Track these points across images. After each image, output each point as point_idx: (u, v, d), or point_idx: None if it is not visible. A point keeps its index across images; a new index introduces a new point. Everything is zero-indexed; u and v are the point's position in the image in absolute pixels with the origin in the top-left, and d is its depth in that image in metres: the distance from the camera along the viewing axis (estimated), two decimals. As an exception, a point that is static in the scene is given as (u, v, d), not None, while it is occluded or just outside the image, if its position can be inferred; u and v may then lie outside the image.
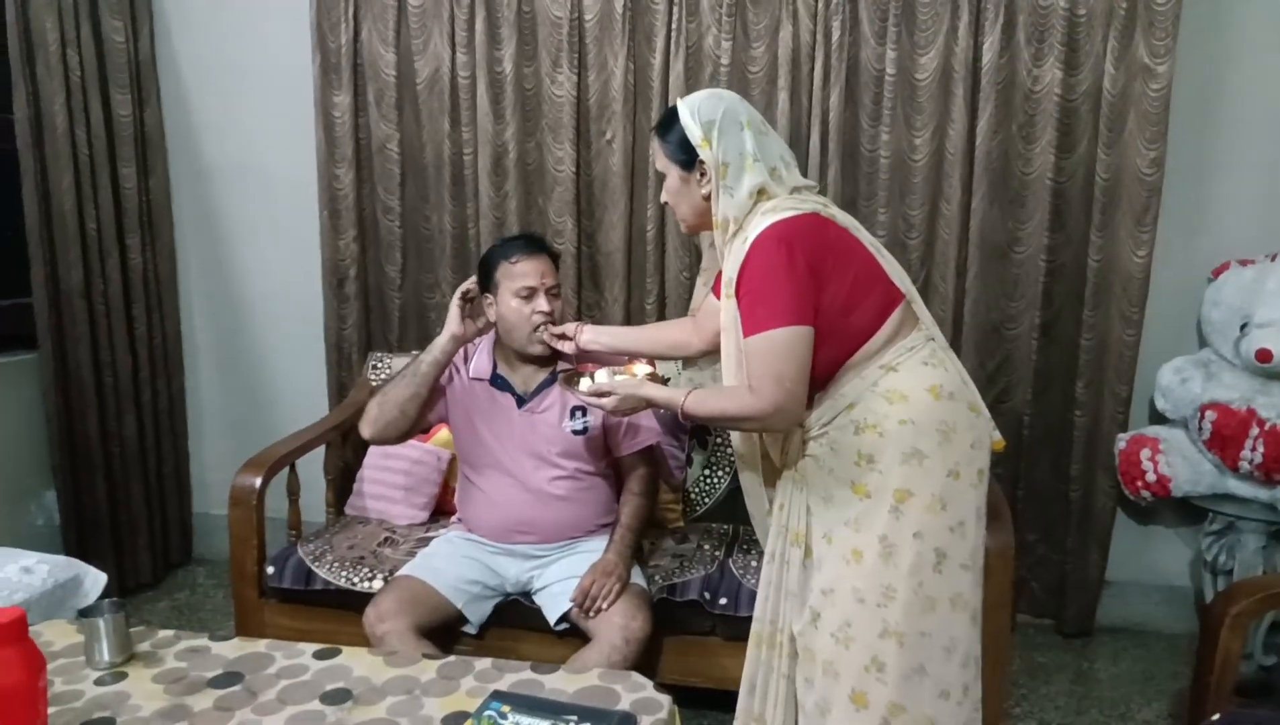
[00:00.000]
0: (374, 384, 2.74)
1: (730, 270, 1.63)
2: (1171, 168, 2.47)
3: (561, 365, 2.12)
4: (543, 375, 2.15)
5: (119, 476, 3.02)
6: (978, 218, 2.55)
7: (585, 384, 1.81)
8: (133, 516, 3.06)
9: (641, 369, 1.83)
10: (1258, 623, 2.40)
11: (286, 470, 2.44)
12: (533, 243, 2.12)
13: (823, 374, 1.62)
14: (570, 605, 2.04)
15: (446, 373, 2.17)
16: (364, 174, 2.89)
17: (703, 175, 1.66)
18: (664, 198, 1.77)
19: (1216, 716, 1.63)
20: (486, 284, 2.11)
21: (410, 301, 2.97)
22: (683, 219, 1.77)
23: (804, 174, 2.58)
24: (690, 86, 2.63)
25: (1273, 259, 2.42)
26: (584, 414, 2.14)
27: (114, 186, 2.95)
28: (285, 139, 3.02)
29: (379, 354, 2.79)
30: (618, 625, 1.94)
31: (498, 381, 2.16)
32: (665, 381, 1.78)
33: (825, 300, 1.57)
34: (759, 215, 1.61)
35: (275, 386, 3.24)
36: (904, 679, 1.58)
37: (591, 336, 2.05)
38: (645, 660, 1.95)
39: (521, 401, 2.14)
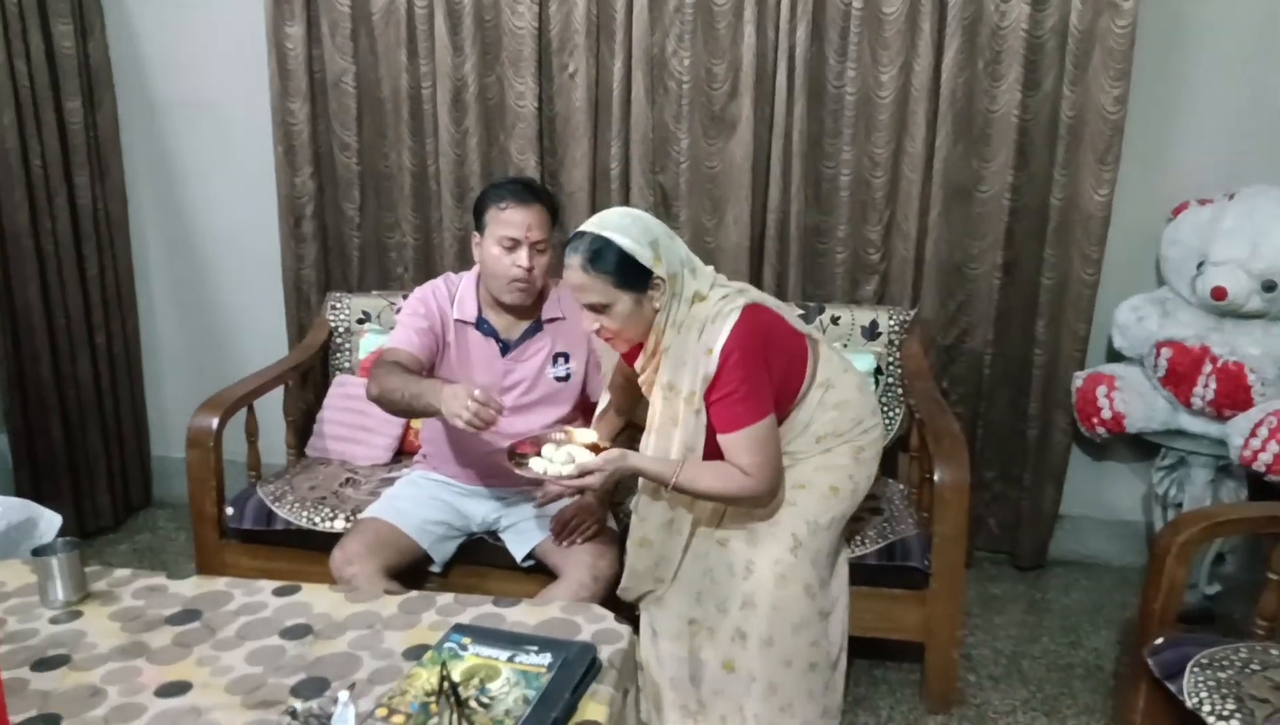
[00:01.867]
0: (332, 325, 2.70)
1: (691, 378, 1.76)
2: (1135, 106, 2.47)
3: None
4: (527, 322, 2.11)
5: (75, 419, 2.97)
6: (942, 156, 2.54)
7: (540, 463, 1.82)
8: (90, 459, 3.02)
9: (585, 436, 1.89)
10: (1203, 554, 2.48)
11: (245, 411, 2.41)
12: (528, 191, 2.03)
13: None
14: (537, 542, 2.05)
15: (436, 312, 2.09)
16: (319, 109, 2.81)
17: (653, 290, 1.75)
18: (608, 326, 1.77)
19: (1160, 640, 1.69)
20: (478, 223, 2.05)
21: (369, 241, 2.91)
22: (629, 341, 1.82)
23: (770, 109, 2.58)
24: (654, 14, 2.56)
25: (1230, 198, 2.44)
26: (566, 361, 2.12)
27: (59, 122, 2.84)
28: (237, 72, 2.92)
29: (338, 294, 2.74)
30: (586, 563, 1.95)
31: (483, 326, 2.11)
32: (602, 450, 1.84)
33: (777, 381, 1.81)
34: (708, 320, 1.75)
35: (233, 328, 3.18)
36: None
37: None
38: (611, 599, 1.97)
39: (505, 349, 2.11)
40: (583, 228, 1.77)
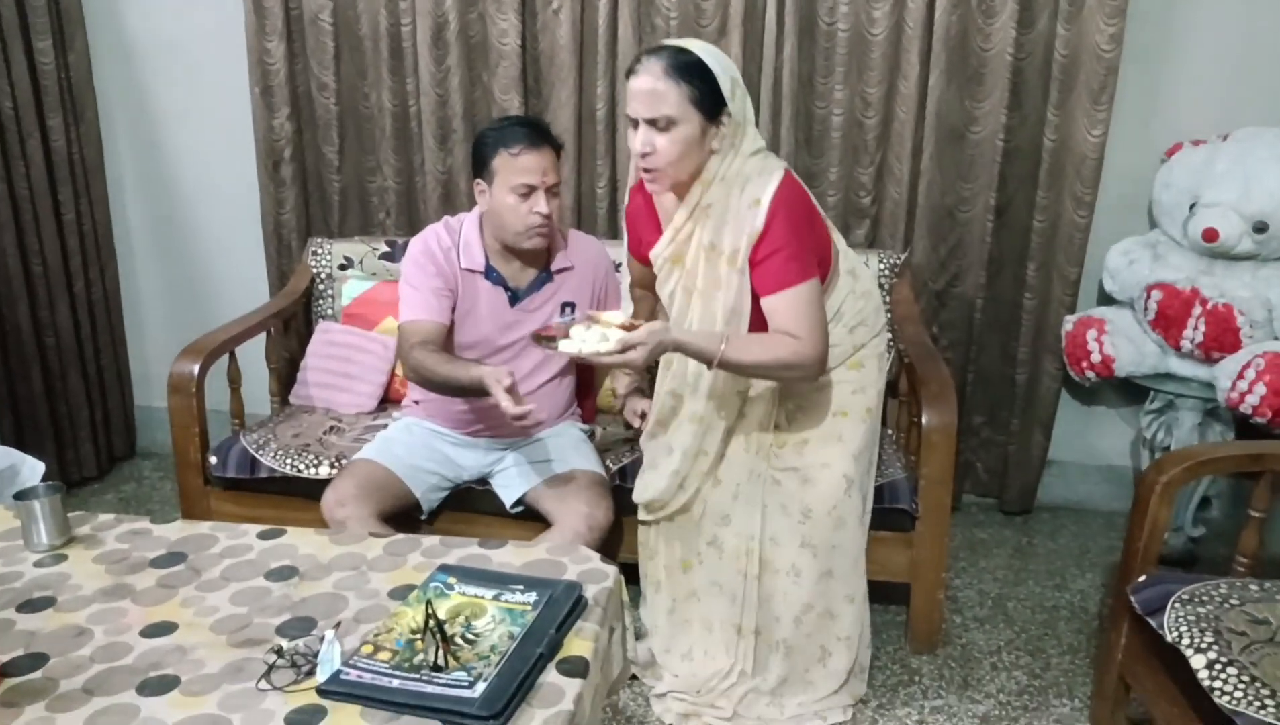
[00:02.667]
0: (314, 271, 2.65)
1: (734, 236, 1.68)
2: (1129, 46, 2.43)
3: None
4: (533, 272, 2.06)
5: (55, 368, 2.93)
6: (935, 96, 2.50)
7: (573, 344, 1.63)
8: (72, 409, 2.99)
9: (613, 316, 1.71)
10: (1188, 496, 2.50)
11: (227, 359, 2.38)
12: (539, 133, 1.93)
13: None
14: (527, 487, 2.04)
15: (444, 265, 2.01)
16: (296, 47, 2.73)
17: (718, 129, 1.65)
18: (662, 151, 1.61)
19: (1142, 578, 1.70)
20: (480, 170, 1.95)
21: (350, 185, 2.85)
22: (674, 176, 1.66)
23: (760, 48, 2.53)
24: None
25: (1224, 139, 2.41)
26: (572, 310, 2.08)
27: (30, 63, 2.76)
28: (211, 9, 2.82)
29: (319, 240, 2.69)
30: (582, 513, 1.93)
31: (492, 274, 2.04)
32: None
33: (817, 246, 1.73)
34: (752, 175, 1.68)
35: (214, 275, 3.13)
36: None
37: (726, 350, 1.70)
38: (605, 543, 1.96)
39: (515, 298, 2.05)
40: (665, 43, 1.68)
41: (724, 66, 1.65)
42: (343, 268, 2.65)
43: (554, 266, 2.07)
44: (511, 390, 1.73)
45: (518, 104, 2.64)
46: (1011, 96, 2.50)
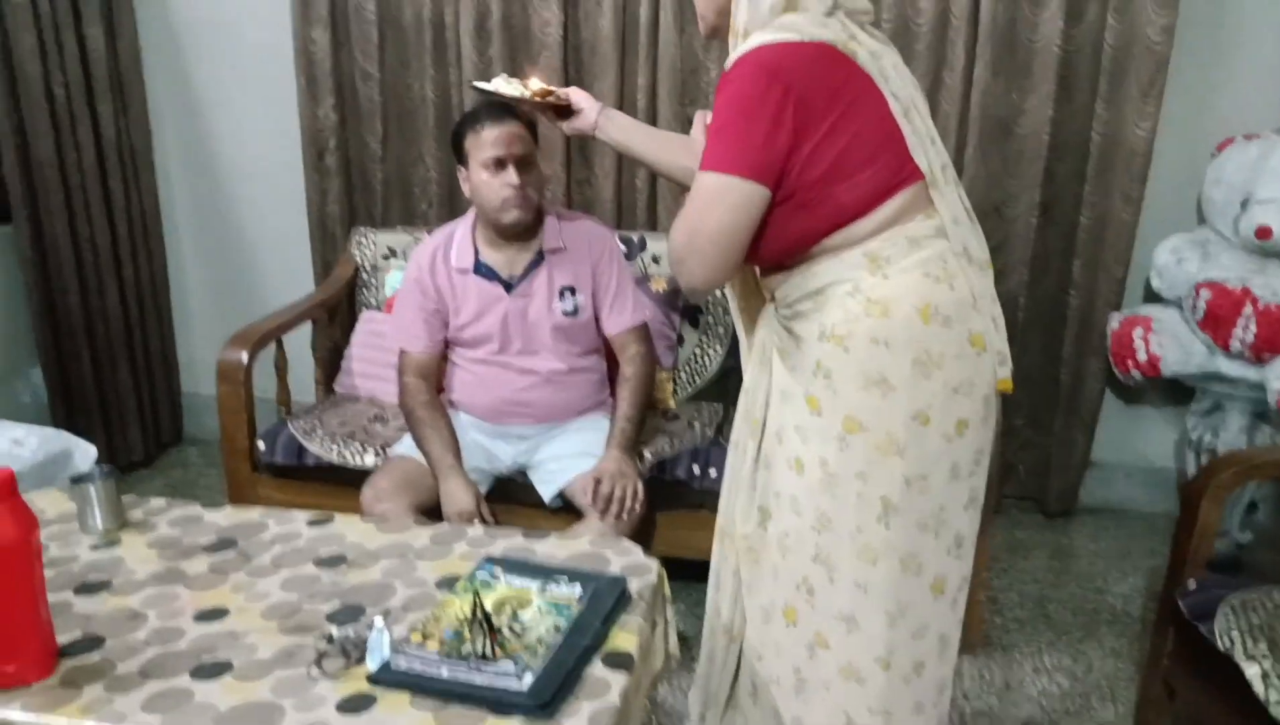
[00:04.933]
0: (358, 261, 2.68)
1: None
2: (1181, 38, 2.38)
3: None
4: (528, 256, 2.08)
5: (104, 353, 2.99)
6: (981, 88, 2.46)
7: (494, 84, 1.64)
8: (120, 394, 3.05)
9: (536, 84, 1.65)
10: (1236, 500, 2.45)
11: (274, 347, 2.41)
12: (501, 108, 1.95)
13: (793, 247, 1.33)
14: (565, 482, 2.05)
15: (431, 285, 2.09)
16: (340, 36, 2.76)
17: None
18: None
19: (1191, 583, 1.68)
20: (459, 156, 2.02)
21: (394, 175, 2.88)
22: (702, 16, 1.43)
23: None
24: (684, -58, 2.49)
25: (1279, 133, 2.36)
26: (573, 294, 2.09)
27: (80, 49, 2.81)
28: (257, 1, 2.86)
29: (363, 229, 2.72)
30: (614, 511, 1.94)
31: (481, 269, 2.08)
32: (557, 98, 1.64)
33: (805, 157, 1.25)
34: (764, 32, 1.28)
35: (259, 263, 3.17)
36: (833, 618, 1.38)
37: (604, 124, 1.61)
38: (637, 536, 1.97)
39: (509, 287, 2.08)
40: None
41: None
42: (386, 257, 2.67)
43: (545, 246, 2.08)
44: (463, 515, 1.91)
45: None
46: (1059, 89, 2.46)
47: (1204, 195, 2.49)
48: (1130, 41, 2.39)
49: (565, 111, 1.65)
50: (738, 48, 1.31)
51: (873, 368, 1.28)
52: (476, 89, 1.68)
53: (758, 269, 1.47)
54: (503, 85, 1.65)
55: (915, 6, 2.45)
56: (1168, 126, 2.45)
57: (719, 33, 1.41)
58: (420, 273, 2.10)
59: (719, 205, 1.26)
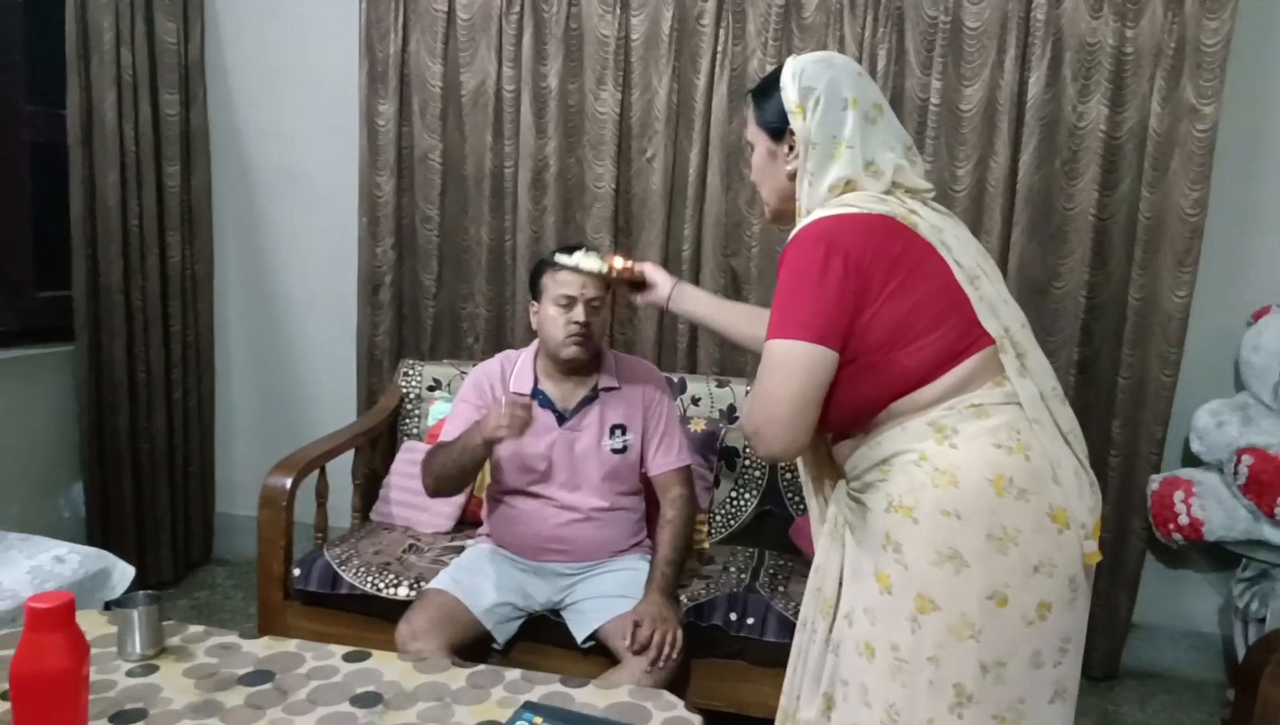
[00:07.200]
0: (404, 391, 2.75)
1: None
2: (1214, 210, 2.46)
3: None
4: (583, 391, 2.15)
5: (146, 473, 3.03)
6: (1017, 251, 2.54)
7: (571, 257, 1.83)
8: (157, 513, 3.07)
9: (618, 262, 1.83)
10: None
11: (316, 473, 2.45)
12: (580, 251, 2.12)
13: (860, 413, 1.33)
14: (600, 623, 2.02)
15: (489, 395, 2.15)
16: (404, 182, 2.92)
17: (791, 149, 1.40)
18: (752, 175, 1.52)
19: (1255, 766, 1.61)
20: (534, 292, 2.14)
21: (444, 311, 2.98)
22: (765, 201, 1.50)
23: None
24: (733, 103, 2.64)
25: (1315, 305, 2.40)
26: (623, 433, 2.13)
27: (158, 184, 2.99)
28: (328, 145, 3.05)
29: (410, 361, 2.80)
30: (649, 657, 1.90)
31: (538, 396, 2.14)
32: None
33: (866, 323, 1.27)
34: (824, 208, 1.33)
35: (304, 390, 3.25)
36: None
37: (677, 297, 1.77)
38: (673, 684, 1.93)
39: (562, 419, 2.13)
40: None
41: (803, 76, 1.37)
42: (431, 389, 2.74)
43: (601, 385, 2.15)
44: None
45: (608, 242, 2.76)
46: (1095, 254, 2.54)
47: (1242, 360, 2.51)
48: (1164, 213, 2.47)
49: (640, 285, 1.77)
50: (798, 224, 1.36)
51: (943, 541, 1.23)
52: (559, 264, 1.83)
53: (830, 439, 1.45)
54: (584, 259, 1.81)
55: (953, 175, 2.57)
56: (1203, 293, 2.50)
57: (782, 218, 1.47)
58: (480, 385, 2.18)
59: (789, 371, 1.27)
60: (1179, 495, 2.45)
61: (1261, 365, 2.44)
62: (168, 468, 3.09)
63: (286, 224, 3.18)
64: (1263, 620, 2.43)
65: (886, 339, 1.28)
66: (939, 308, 1.29)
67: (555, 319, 2.07)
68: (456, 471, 2.03)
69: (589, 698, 1.50)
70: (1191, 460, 2.60)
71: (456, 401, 2.20)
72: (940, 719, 1.25)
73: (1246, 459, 2.35)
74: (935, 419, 1.28)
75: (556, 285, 2.07)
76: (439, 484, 2.09)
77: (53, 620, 1.12)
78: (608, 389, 2.16)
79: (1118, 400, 2.57)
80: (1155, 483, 2.53)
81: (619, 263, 1.81)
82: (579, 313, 2.05)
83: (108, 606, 2.01)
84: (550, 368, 2.15)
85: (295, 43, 3.06)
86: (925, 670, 1.25)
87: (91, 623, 1.68)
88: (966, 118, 2.54)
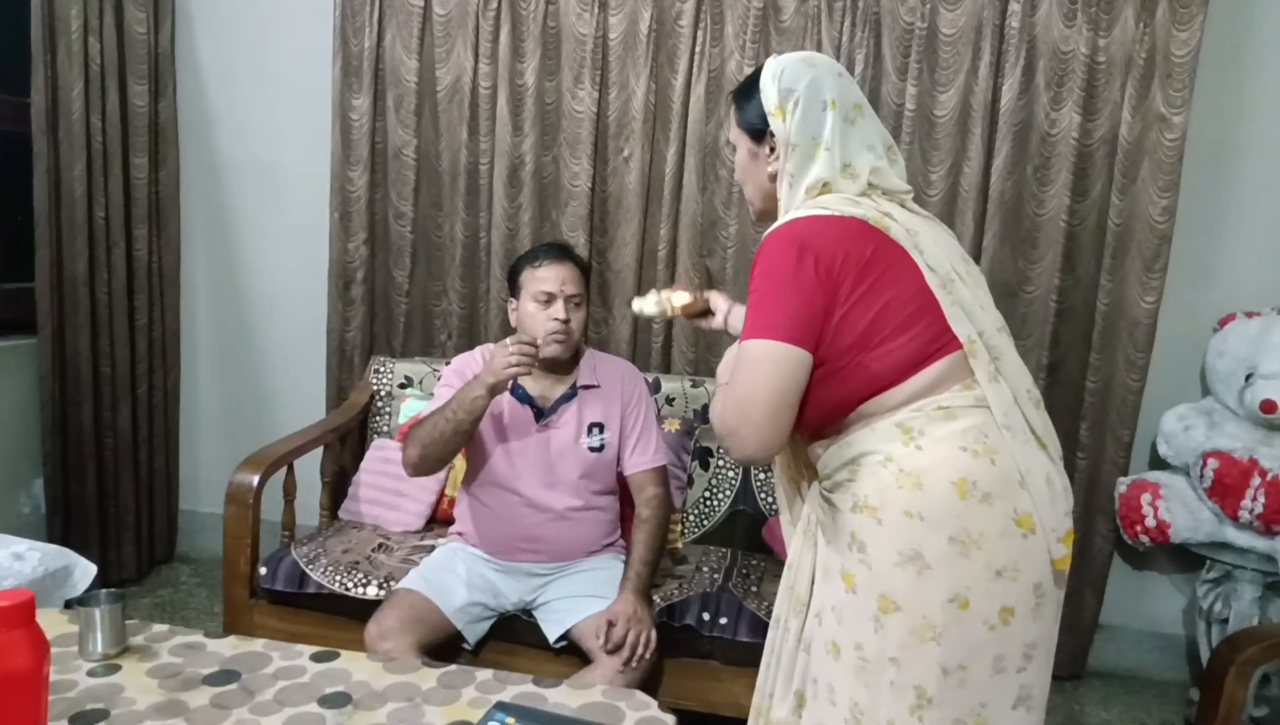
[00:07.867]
0: (374, 388, 2.72)
1: None
2: (1183, 217, 2.50)
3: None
4: (562, 388, 2.13)
5: (109, 468, 2.97)
6: (988, 256, 2.57)
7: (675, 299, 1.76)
8: (120, 510, 3.02)
9: (680, 298, 1.76)
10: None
11: (284, 470, 2.41)
12: (559, 250, 2.13)
13: (830, 415, 1.33)
14: (571, 623, 2.01)
15: (471, 375, 2.10)
16: (378, 178, 2.89)
17: (772, 150, 1.40)
18: (737, 175, 1.54)
19: (1219, 765, 1.63)
20: (513, 289, 2.13)
21: (416, 307, 2.95)
22: (750, 202, 1.50)
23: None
24: (710, 104, 2.64)
25: (1278, 312, 2.45)
26: (601, 431, 2.12)
27: (125, 177, 2.93)
28: (300, 139, 3.01)
29: (381, 358, 2.77)
30: (622, 656, 1.90)
31: (517, 391, 2.12)
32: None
33: (835, 325, 1.27)
34: (799, 210, 1.34)
35: (272, 386, 3.21)
36: None
37: (734, 321, 1.68)
38: (645, 684, 1.92)
39: (540, 415, 2.12)
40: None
41: (783, 77, 1.37)
42: (403, 386, 2.71)
43: (579, 382, 2.14)
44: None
45: (584, 240, 2.75)
46: (1065, 260, 2.57)
47: (1208, 366, 2.56)
48: (1133, 219, 2.51)
49: (705, 312, 1.75)
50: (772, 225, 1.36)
51: (906, 543, 1.23)
52: (640, 314, 1.80)
53: (802, 439, 1.44)
54: (643, 303, 1.77)
55: (927, 179, 2.59)
56: (1171, 299, 2.54)
57: (766, 217, 1.47)
58: (464, 370, 2.12)
59: (765, 372, 1.26)
60: (1146, 498, 2.48)
61: (1227, 370, 2.48)
62: (131, 463, 3.03)
63: (257, 218, 3.14)
64: (1225, 621, 2.48)
65: (856, 342, 1.28)
66: (909, 312, 1.28)
67: (535, 316, 2.05)
68: (451, 433, 1.96)
69: (562, 698, 1.49)
70: (1159, 463, 2.64)
71: (439, 387, 2.15)
72: (901, 720, 1.25)
73: (1212, 462, 2.39)
74: (903, 421, 1.27)
75: (535, 281, 2.06)
76: (425, 453, 2.00)
77: (12, 619, 1.09)
78: (586, 387, 2.14)
79: (1085, 403, 2.61)
80: (1123, 485, 2.57)
81: (679, 301, 1.73)
82: (559, 309, 2.04)
83: (69, 605, 1.97)
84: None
85: (268, 35, 3.02)
86: (887, 671, 1.25)
87: (52, 621, 1.64)
88: (941, 123, 2.56)
